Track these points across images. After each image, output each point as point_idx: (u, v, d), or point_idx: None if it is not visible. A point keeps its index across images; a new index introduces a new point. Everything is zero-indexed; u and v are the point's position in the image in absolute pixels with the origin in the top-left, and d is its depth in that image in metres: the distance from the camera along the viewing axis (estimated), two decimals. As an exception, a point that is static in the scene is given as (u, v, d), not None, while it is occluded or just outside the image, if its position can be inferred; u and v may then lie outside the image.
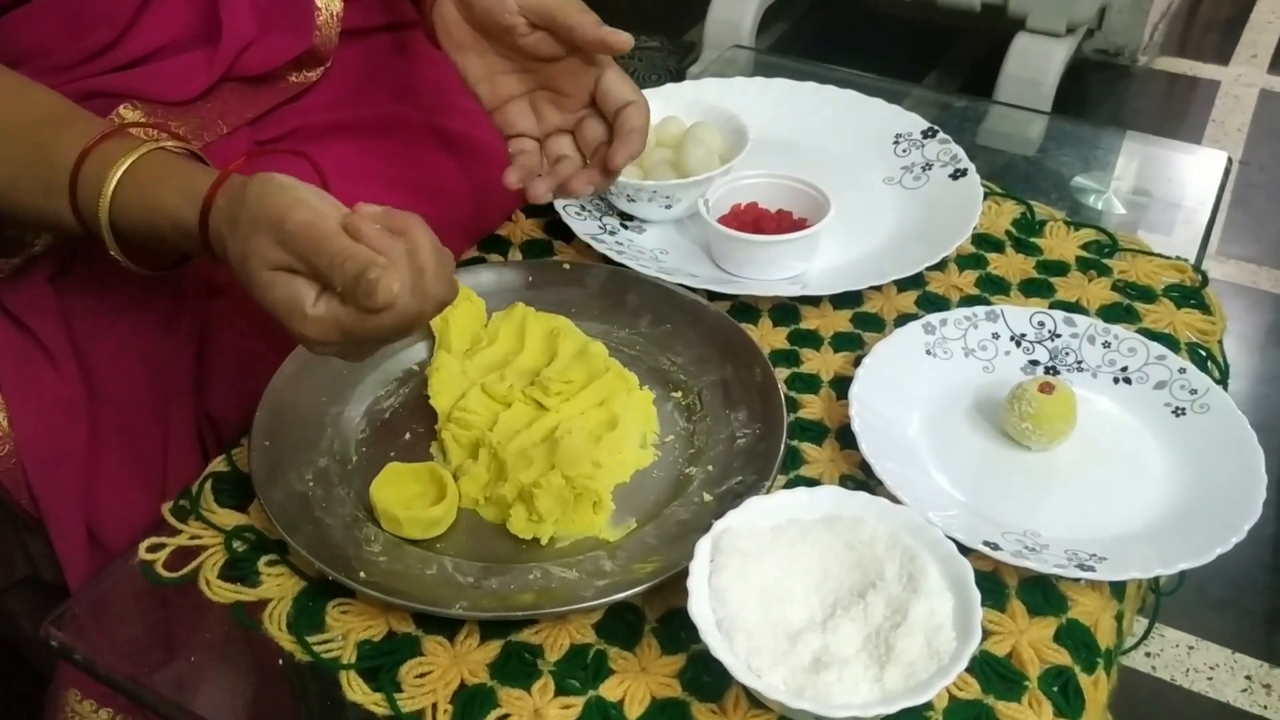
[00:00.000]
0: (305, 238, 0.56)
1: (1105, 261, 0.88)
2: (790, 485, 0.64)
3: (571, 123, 0.79)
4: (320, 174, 0.65)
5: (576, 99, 0.77)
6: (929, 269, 0.85)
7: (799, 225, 0.85)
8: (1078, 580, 0.63)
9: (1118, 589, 0.64)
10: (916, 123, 0.99)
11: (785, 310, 0.84)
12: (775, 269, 0.84)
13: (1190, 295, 0.85)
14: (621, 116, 0.75)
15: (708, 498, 0.68)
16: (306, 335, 0.58)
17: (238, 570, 0.65)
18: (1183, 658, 1.36)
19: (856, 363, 0.75)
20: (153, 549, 0.66)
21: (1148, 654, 1.36)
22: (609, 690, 0.59)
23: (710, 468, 0.70)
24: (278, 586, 0.64)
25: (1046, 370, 0.77)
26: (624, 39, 0.73)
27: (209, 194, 0.60)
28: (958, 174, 0.93)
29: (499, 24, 0.75)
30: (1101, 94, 2.49)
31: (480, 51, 0.78)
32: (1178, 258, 0.88)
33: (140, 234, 0.65)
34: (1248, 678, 1.34)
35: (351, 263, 0.55)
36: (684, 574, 0.58)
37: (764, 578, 0.58)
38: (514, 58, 0.77)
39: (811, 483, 0.66)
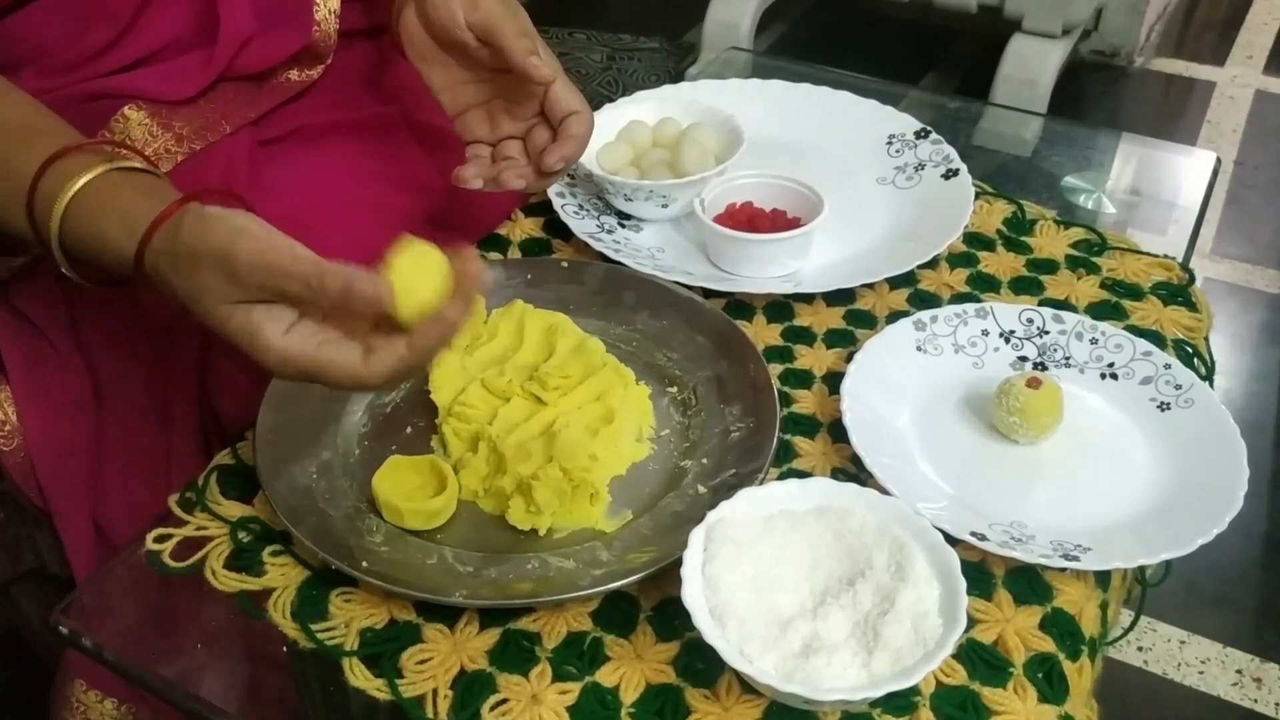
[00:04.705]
0: (264, 267, 0.55)
1: (1094, 260, 0.89)
2: (783, 478, 0.65)
3: (523, 130, 0.81)
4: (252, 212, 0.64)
5: (528, 108, 0.80)
6: (920, 267, 0.87)
7: (793, 224, 0.87)
8: (1063, 570, 0.65)
9: (1102, 579, 0.66)
10: (909, 124, 1.00)
11: (779, 307, 0.85)
12: (769, 267, 0.85)
13: (1177, 293, 0.86)
14: (564, 124, 0.78)
15: (702, 490, 0.69)
16: (268, 364, 0.58)
17: (243, 560, 0.67)
18: (1174, 652, 1.38)
19: (848, 358, 0.77)
20: (160, 539, 0.68)
21: (1140, 648, 1.38)
22: (605, 676, 0.60)
23: (704, 461, 0.71)
24: (282, 576, 0.66)
25: (1035, 366, 0.78)
26: (544, 73, 0.75)
27: (146, 234, 0.59)
28: (949, 174, 0.95)
29: (453, 38, 0.77)
30: (1098, 95, 2.51)
31: (442, 63, 0.80)
32: (1166, 256, 0.90)
33: (88, 257, 0.64)
34: (1238, 672, 1.36)
35: (333, 279, 0.55)
36: (678, 563, 0.59)
37: (756, 566, 0.60)
38: (473, 68, 0.80)
39: (803, 475, 0.67)
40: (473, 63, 0.79)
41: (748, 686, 0.59)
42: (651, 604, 0.64)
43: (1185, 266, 0.89)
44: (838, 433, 0.73)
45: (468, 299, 0.57)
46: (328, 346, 0.57)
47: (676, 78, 1.92)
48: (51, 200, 0.62)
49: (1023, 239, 0.92)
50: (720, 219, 0.87)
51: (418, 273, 0.56)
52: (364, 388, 0.58)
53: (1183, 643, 1.39)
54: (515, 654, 0.61)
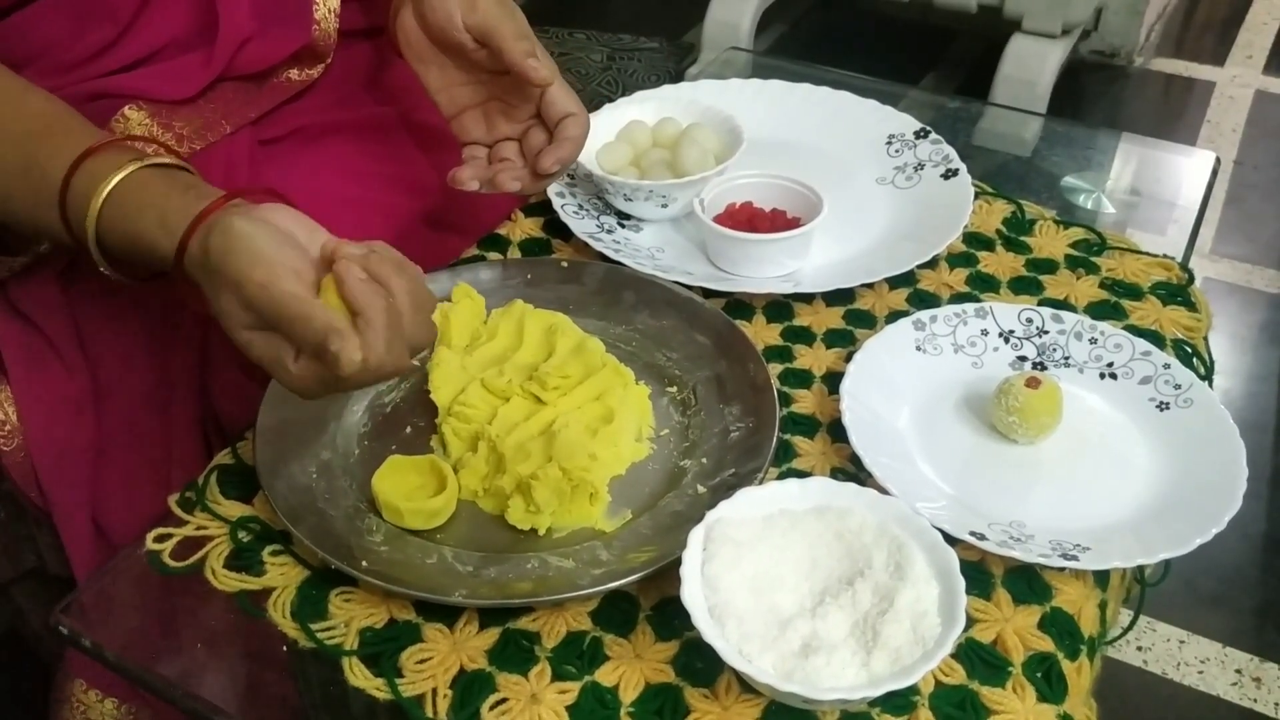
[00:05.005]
0: (264, 300, 0.56)
1: (1093, 259, 0.89)
2: (782, 478, 0.65)
3: (519, 131, 0.81)
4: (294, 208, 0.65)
5: (524, 110, 0.80)
6: (920, 267, 0.87)
7: (792, 224, 0.87)
8: (1062, 569, 0.65)
9: (1101, 578, 0.66)
10: (909, 123, 1.00)
11: (779, 307, 0.85)
12: (769, 267, 0.86)
13: (1177, 293, 0.86)
14: (560, 126, 0.78)
15: (701, 489, 0.69)
16: (292, 387, 0.59)
17: (243, 560, 0.67)
18: (1174, 652, 1.38)
19: (848, 358, 0.77)
20: (160, 539, 0.68)
21: (1139, 648, 1.38)
22: (604, 676, 0.60)
23: (704, 460, 0.71)
24: (282, 575, 0.66)
25: (1034, 366, 0.78)
26: (543, 75, 0.75)
27: (184, 235, 0.60)
28: (949, 174, 0.95)
29: (450, 40, 0.77)
30: (1098, 95, 2.51)
31: (440, 64, 0.80)
32: (1165, 256, 0.90)
33: (126, 255, 0.65)
34: (1238, 671, 1.36)
35: (311, 331, 0.55)
36: (678, 563, 0.59)
37: (755, 566, 0.60)
38: (470, 70, 0.80)
39: (803, 475, 0.67)
40: (470, 64, 0.79)
41: (747, 686, 0.59)
42: (651, 603, 0.64)
43: (1185, 266, 0.89)
44: (837, 432, 0.73)
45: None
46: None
47: (676, 78, 1.92)
48: (85, 201, 0.63)
49: (1022, 239, 0.92)
50: (720, 219, 0.87)
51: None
52: (377, 373, 0.58)
53: (1182, 642, 1.39)
54: (515, 653, 0.61)
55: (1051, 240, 0.92)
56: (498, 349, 0.77)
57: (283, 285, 0.56)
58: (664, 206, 0.90)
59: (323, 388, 0.58)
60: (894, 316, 0.82)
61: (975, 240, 0.92)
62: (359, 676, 0.60)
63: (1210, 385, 0.78)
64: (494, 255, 0.90)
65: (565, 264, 0.85)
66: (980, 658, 0.61)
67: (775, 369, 0.79)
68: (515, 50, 0.75)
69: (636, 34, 2.04)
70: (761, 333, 0.83)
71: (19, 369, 0.77)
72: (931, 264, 0.88)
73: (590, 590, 0.62)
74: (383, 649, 0.62)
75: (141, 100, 0.79)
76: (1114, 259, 0.90)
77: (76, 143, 0.65)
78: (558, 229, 0.92)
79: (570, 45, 2.00)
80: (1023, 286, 0.87)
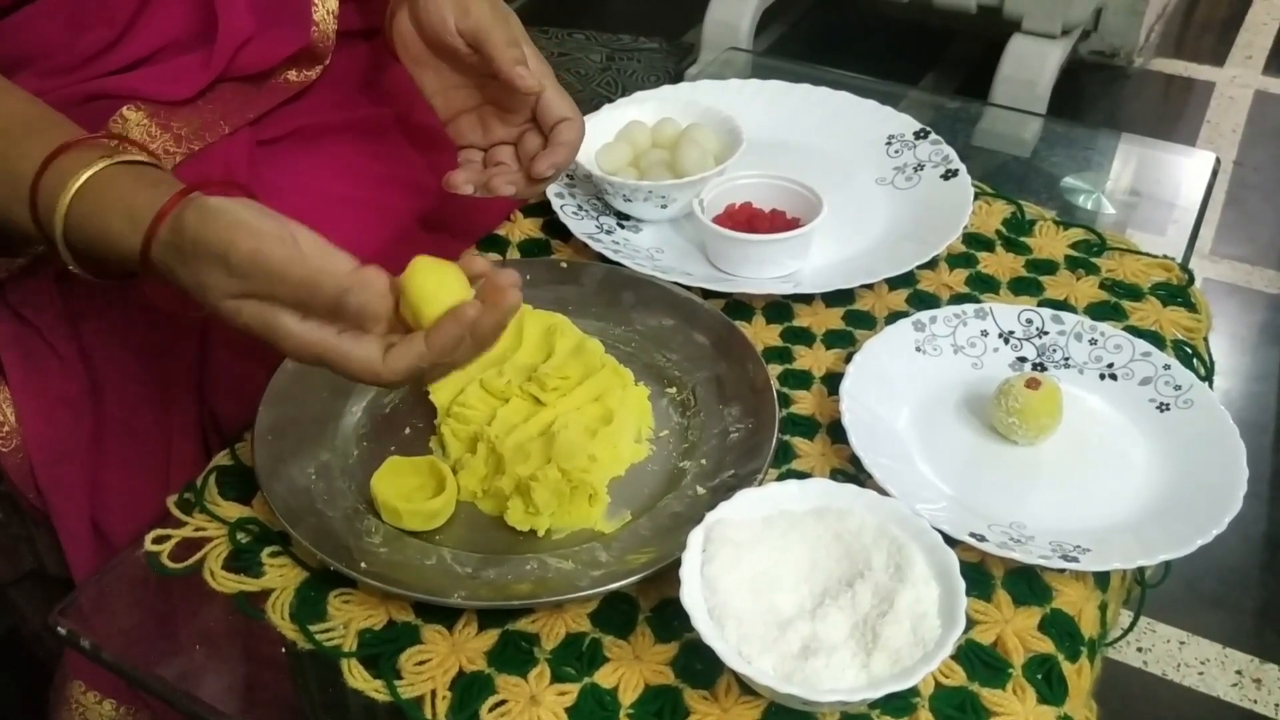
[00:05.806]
0: (256, 266, 0.55)
1: (1093, 260, 0.89)
2: (782, 479, 0.65)
3: (515, 135, 0.81)
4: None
5: (520, 114, 0.80)
6: (920, 267, 0.87)
7: (792, 225, 0.87)
8: (1062, 571, 0.65)
9: (1101, 580, 0.66)
10: (909, 124, 1.00)
11: (778, 308, 0.85)
12: (769, 267, 0.85)
13: (1177, 293, 0.86)
14: (555, 131, 0.78)
15: (701, 491, 0.69)
16: (285, 350, 0.58)
17: (241, 561, 0.67)
18: (1174, 653, 1.38)
19: (848, 359, 0.77)
20: (158, 540, 0.68)
21: (1139, 649, 1.38)
22: (604, 677, 0.60)
23: (703, 461, 0.71)
24: (280, 577, 0.66)
25: (1034, 367, 0.78)
26: (530, 84, 0.75)
27: (150, 227, 0.59)
28: (949, 174, 0.95)
29: (444, 44, 0.77)
30: (1097, 95, 2.51)
31: (435, 67, 0.80)
32: (1165, 256, 0.90)
33: (94, 252, 0.64)
34: (1238, 672, 1.36)
35: (324, 291, 0.55)
36: (677, 564, 0.59)
37: (755, 567, 0.59)
38: (464, 73, 0.80)
39: (802, 476, 0.67)
40: (464, 68, 0.79)
41: (746, 687, 0.59)
42: (650, 605, 0.64)
43: (1184, 267, 0.89)
44: (837, 433, 0.73)
45: (494, 304, 0.57)
46: (348, 337, 0.57)
47: (676, 78, 1.91)
48: (54, 199, 0.62)
49: (1022, 239, 0.92)
50: (719, 219, 0.87)
51: (438, 283, 0.57)
52: (380, 384, 0.58)
53: (1182, 643, 1.39)
54: (514, 655, 0.61)
55: (1051, 241, 0.92)
56: (497, 350, 0.76)
57: (276, 251, 0.55)
58: (663, 207, 0.90)
59: (324, 352, 0.58)
60: (894, 317, 0.82)
61: (975, 241, 0.92)
62: (358, 678, 0.60)
63: (1210, 386, 0.78)
64: (493, 256, 0.90)
65: (564, 264, 0.85)
66: (980, 659, 0.61)
67: (775, 370, 0.78)
68: (504, 58, 0.75)
69: (636, 34, 2.04)
70: (761, 333, 0.83)
71: (17, 370, 0.77)
72: (931, 265, 0.88)
73: (589, 592, 0.62)
74: (382, 650, 0.62)
75: (140, 101, 0.78)
76: (1114, 260, 0.90)
77: (50, 141, 0.64)
78: (557, 229, 0.92)
79: (570, 45, 2.00)
80: (1023, 287, 0.87)
